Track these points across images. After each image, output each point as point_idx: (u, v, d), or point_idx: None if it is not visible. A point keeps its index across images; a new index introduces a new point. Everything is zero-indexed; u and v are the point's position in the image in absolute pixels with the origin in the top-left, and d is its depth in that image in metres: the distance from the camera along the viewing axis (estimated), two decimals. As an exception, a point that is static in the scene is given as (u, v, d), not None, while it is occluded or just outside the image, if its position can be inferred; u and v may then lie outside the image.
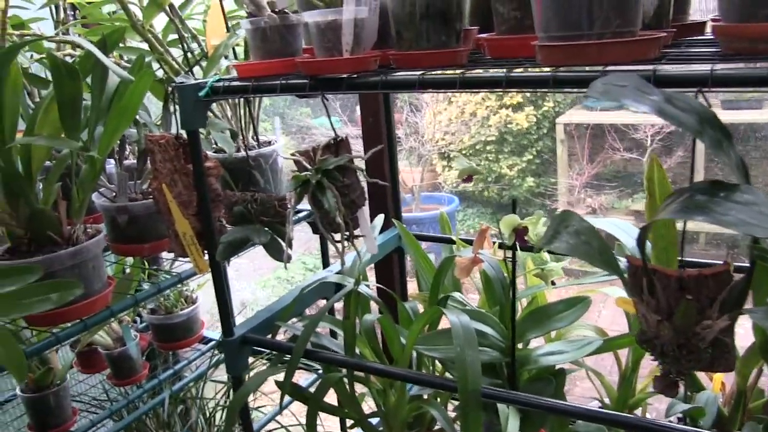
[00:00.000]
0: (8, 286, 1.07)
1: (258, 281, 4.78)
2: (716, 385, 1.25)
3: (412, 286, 1.80)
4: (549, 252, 1.23)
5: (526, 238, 1.14)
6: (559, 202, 5.34)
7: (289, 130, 6.36)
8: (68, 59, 1.38)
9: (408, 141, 5.40)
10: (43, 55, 1.45)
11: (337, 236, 1.03)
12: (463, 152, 5.56)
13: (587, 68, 0.83)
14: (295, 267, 4.84)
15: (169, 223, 1.19)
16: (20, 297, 1.06)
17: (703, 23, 1.11)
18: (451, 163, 5.63)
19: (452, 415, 1.26)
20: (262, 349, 1.76)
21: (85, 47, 1.09)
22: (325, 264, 1.61)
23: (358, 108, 6.09)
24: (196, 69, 1.49)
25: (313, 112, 6.69)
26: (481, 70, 0.90)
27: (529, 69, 0.90)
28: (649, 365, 1.37)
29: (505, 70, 0.85)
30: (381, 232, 1.53)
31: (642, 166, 5.07)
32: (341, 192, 1.02)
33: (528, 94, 5.36)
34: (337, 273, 1.38)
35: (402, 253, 1.67)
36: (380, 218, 1.43)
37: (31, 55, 1.45)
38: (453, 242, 1.52)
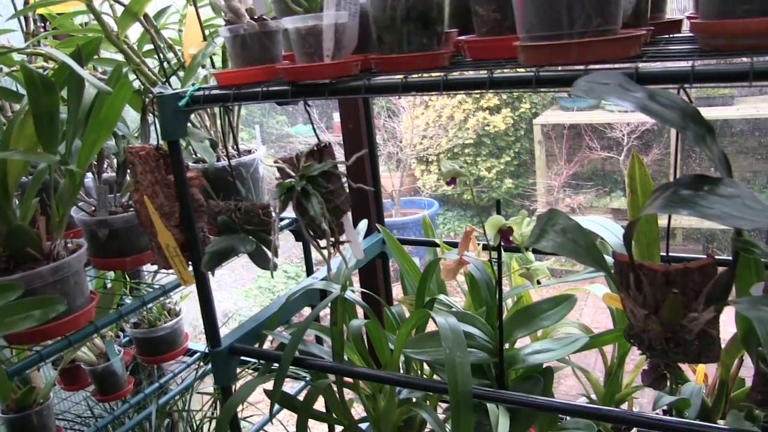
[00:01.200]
0: (-11, 304, 1.05)
1: (240, 291, 4.75)
2: (699, 377, 1.26)
3: (396, 290, 1.80)
4: (534, 251, 1.24)
5: (511, 238, 1.15)
6: (538, 203, 5.37)
7: (268, 139, 6.34)
8: (40, 71, 1.37)
9: (386, 146, 5.41)
10: (14, 68, 1.43)
11: (323, 242, 1.03)
12: (441, 156, 5.58)
13: (569, 67, 0.83)
14: (276, 276, 4.82)
15: (151, 235, 1.18)
16: (2, 315, 1.05)
17: (680, 21, 1.12)
18: (430, 167, 5.65)
19: (442, 417, 1.26)
20: (249, 359, 1.75)
21: (61, 59, 1.08)
22: (309, 272, 1.61)
23: (335, 115, 6.10)
24: (174, 79, 1.48)
25: (290, 120, 6.67)
26: (464, 72, 0.91)
27: (512, 70, 0.90)
28: (633, 360, 1.38)
29: (487, 71, 0.85)
30: (364, 237, 1.53)
31: (619, 165, 5.12)
32: (326, 198, 1.02)
33: (504, 97, 5.39)
34: (322, 280, 1.38)
35: (386, 257, 1.67)
36: (364, 223, 1.43)
37: (0, 68, 1.43)
38: (437, 245, 1.52)
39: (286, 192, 1.01)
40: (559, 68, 0.84)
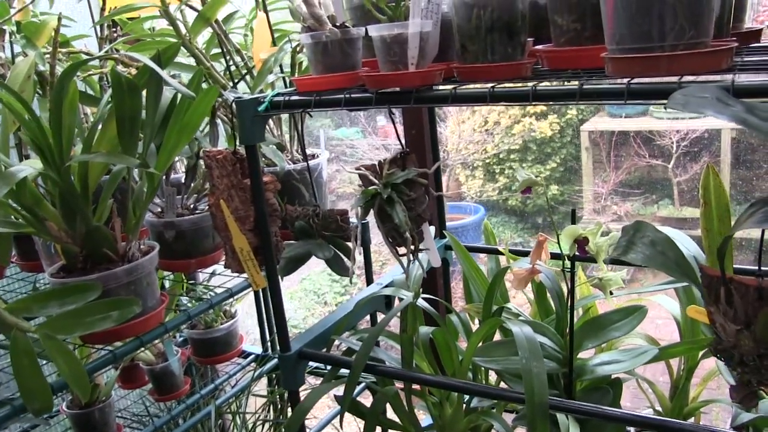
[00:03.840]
0: (69, 304, 1.07)
1: (285, 293, 4.77)
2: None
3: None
4: (614, 262, 1.22)
5: (586, 248, 1.13)
6: (584, 210, 5.30)
7: (314, 142, 6.37)
8: (127, 75, 1.39)
9: (432, 151, 5.38)
10: (89, 73, 1.46)
11: (402, 250, 1.02)
12: (487, 161, 5.54)
13: (660, 80, 0.82)
14: (321, 279, 4.83)
15: (225, 238, 1.19)
16: (82, 315, 1.07)
17: (759, 30, 1.10)
18: (474, 173, 5.62)
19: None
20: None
21: (144, 62, 1.09)
22: (369, 278, 1.60)
23: (378, 119, 6.10)
24: (241, 84, 1.50)
25: (333, 124, 6.70)
26: (549, 83, 0.90)
27: (600, 81, 0.89)
28: (700, 373, 1.36)
29: (578, 81, 0.84)
30: (427, 243, 1.52)
31: (668, 173, 5.04)
32: (408, 206, 1.02)
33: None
34: (387, 286, 1.38)
35: (447, 264, 1.67)
36: (432, 230, 1.42)
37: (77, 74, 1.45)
38: (500, 253, 1.51)
39: (370, 199, 1.01)
40: (650, 80, 0.83)
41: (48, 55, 1.31)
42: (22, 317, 1.05)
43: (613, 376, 1.25)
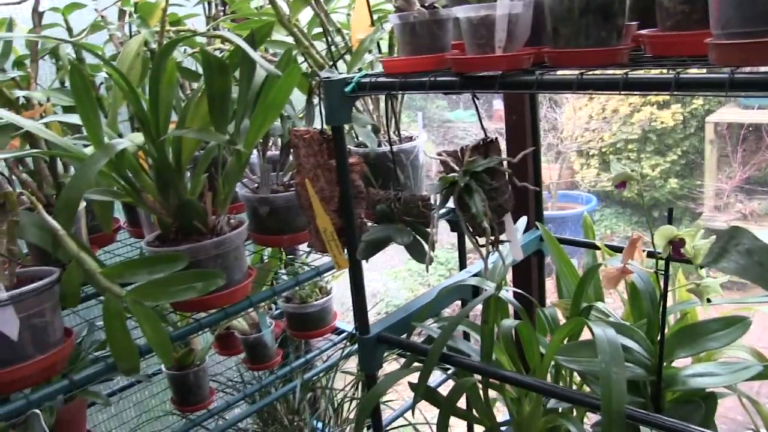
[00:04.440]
0: (157, 273, 1.11)
1: (389, 272, 4.81)
2: None
3: (549, 287, 1.74)
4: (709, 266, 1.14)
5: (682, 251, 1.06)
6: (705, 206, 5.03)
7: (428, 124, 6.36)
8: (217, 53, 1.42)
9: (546, 137, 5.26)
10: (196, 50, 1.50)
11: (482, 240, 0.99)
12: (604, 150, 5.35)
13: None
14: (428, 261, 4.83)
15: (310, 218, 1.20)
16: (168, 284, 1.10)
17: None
18: (590, 161, 5.44)
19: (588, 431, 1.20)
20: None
21: (235, 42, 1.10)
22: (462, 265, 1.58)
23: (495, 102, 6.00)
24: (340, 63, 1.49)
25: (450, 106, 6.65)
26: (644, 71, 0.84)
27: (702, 70, 0.82)
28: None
29: (674, 71, 0.78)
30: (523, 232, 1.48)
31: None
32: (489, 195, 0.98)
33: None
34: (474, 275, 1.35)
35: (542, 255, 1.61)
36: (523, 221, 1.38)
37: (185, 50, 1.50)
38: (597, 248, 1.45)
39: (448, 186, 0.98)
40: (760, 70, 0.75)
41: (158, 33, 1.36)
42: (117, 282, 1.10)
43: (707, 390, 1.17)
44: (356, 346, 2.00)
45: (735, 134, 4.99)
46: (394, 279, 4.74)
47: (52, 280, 1.07)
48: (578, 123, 5.36)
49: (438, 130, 6.33)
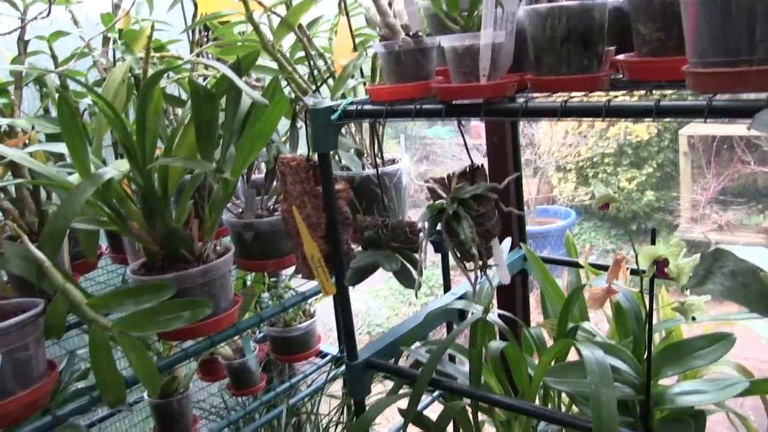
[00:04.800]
0: (144, 303, 1.10)
1: (370, 291, 4.80)
2: None
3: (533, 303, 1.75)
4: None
5: (666, 270, 1.07)
6: (681, 218, 5.09)
7: (405, 140, 6.37)
8: (200, 79, 1.42)
9: (524, 153, 5.30)
10: (180, 76, 1.50)
11: (470, 265, 1.00)
12: (581, 164, 5.40)
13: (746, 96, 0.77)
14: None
15: (297, 244, 1.20)
16: (155, 314, 1.10)
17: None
18: (567, 176, 5.49)
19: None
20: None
21: (222, 71, 1.11)
22: (446, 286, 1.58)
23: (473, 119, 6.05)
24: (323, 87, 1.50)
25: (427, 123, 6.68)
26: (627, 96, 0.86)
27: (681, 97, 0.84)
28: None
29: (655, 99, 0.80)
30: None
31: (775, 181, 4.77)
32: (476, 221, 0.99)
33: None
34: (460, 298, 1.36)
35: (525, 275, 1.62)
36: (507, 242, 1.39)
37: (168, 75, 1.50)
38: (580, 266, 1.46)
39: (436, 213, 0.99)
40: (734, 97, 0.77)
41: (142, 60, 1.36)
42: (102, 312, 1.09)
43: (696, 408, 1.18)
44: (341, 368, 2.00)
45: (708, 146, 5.07)
46: (375, 298, 4.74)
47: (36, 313, 1.06)
48: (555, 138, 5.41)
49: (416, 147, 6.36)
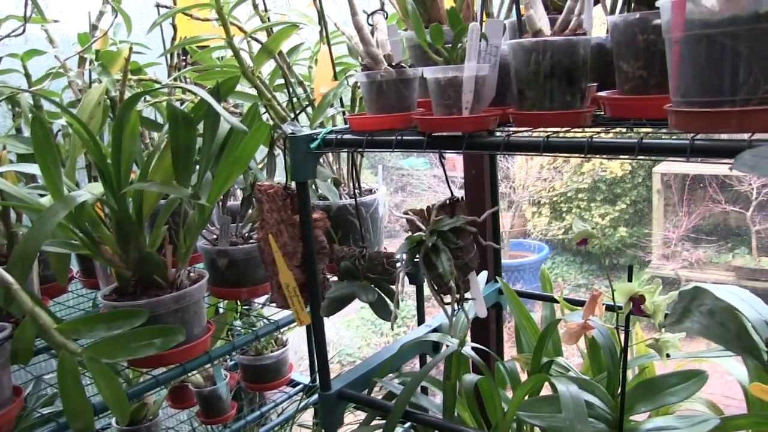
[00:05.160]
0: (116, 329, 1.08)
1: (342, 321, 4.77)
2: None
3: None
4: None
5: (642, 307, 1.08)
6: (653, 254, 5.14)
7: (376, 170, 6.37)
8: (178, 104, 1.41)
9: (499, 186, 5.33)
10: (156, 100, 1.49)
11: (447, 298, 1.00)
12: (555, 199, 5.44)
13: (728, 136, 0.77)
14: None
15: (272, 273, 1.18)
16: (127, 341, 1.07)
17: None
18: (541, 210, 5.53)
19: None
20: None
21: (201, 96, 1.10)
22: (420, 317, 1.57)
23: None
24: (301, 116, 1.50)
25: (402, 154, 6.71)
26: (610, 134, 0.86)
27: (662, 135, 0.85)
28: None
29: (638, 136, 0.81)
30: (480, 286, 1.49)
31: (746, 221, 4.84)
32: (454, 254, 0.99)
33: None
34: (434, 331, 1.35)
35: (500, 308, 1.62)
36: (484, 275, 1.39)
37: (145, 99, 1.49)
38: (555, 301, 1.46)
39: (415, 246, 0.99)
40: (717, 137, 0.78)
41: (119, 82, 1.35)
42: (72, 338, 1.07)
43: (667, 444, 1.18)
44: (313, 398, 1.98)
45: (681, 184, 5.15)
46: (347, 327, 4.70)
47: (3, 337, 1.03)
48: (530, 172, 5.46)
49: (392, 177, 6.37)
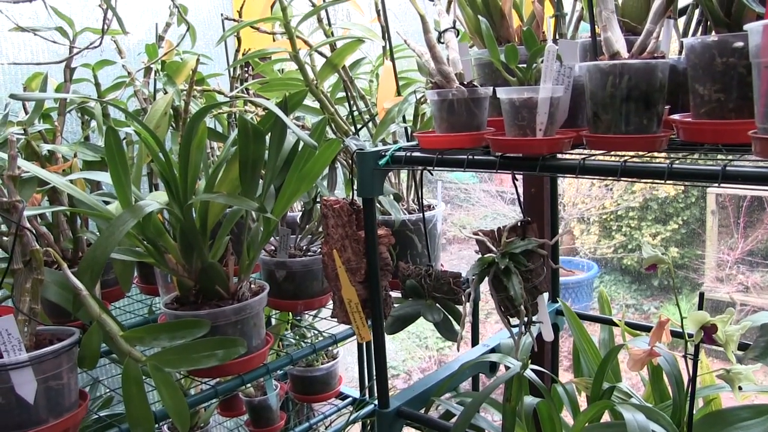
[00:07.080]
0: (179, 339, 1.09)
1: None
2: None
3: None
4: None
5: (714, 336, 1.05)
6: (705, 277, 5.01)
7: (427, 184, 6.36)
8: (253, 122, 1.43)
9: (548, 203, 5.27)
10: (220, 111, 1.51)
11: (514, 320, 0.98)
12: (604, 217, 5.36)
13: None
14: (425, 322, 4.78)
15: (335, 288, 1.18)
16: (189, 351, 1.08)
17: None
18: (590, 228, 5.45)
19: None
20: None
21: (270, 109, 1.11)
22: (475, 337, 1.56)
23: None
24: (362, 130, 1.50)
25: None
26: (690, 159, 0.84)
27: (747, 162, 0.82)
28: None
29: (721, 163, 0.78)
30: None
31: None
32: (524, 277, 0.97)
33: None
34: (492, 351, 1.33)
35: (557, 328, 1.60)
36: (545, 297, 1.37)
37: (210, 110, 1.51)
38: (615, 324, 1.43)
39: (486, 267, 0.97)
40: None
41: (184, 93, 1.37)
42: (135, 346, 1.08)
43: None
44: (362, 412, 1.97)
45: (737, 205, 5.02)
46: (392, 340, 4.68)
47: (72, 342, 1.04)
48: (580, 189, 5.39)
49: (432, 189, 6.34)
